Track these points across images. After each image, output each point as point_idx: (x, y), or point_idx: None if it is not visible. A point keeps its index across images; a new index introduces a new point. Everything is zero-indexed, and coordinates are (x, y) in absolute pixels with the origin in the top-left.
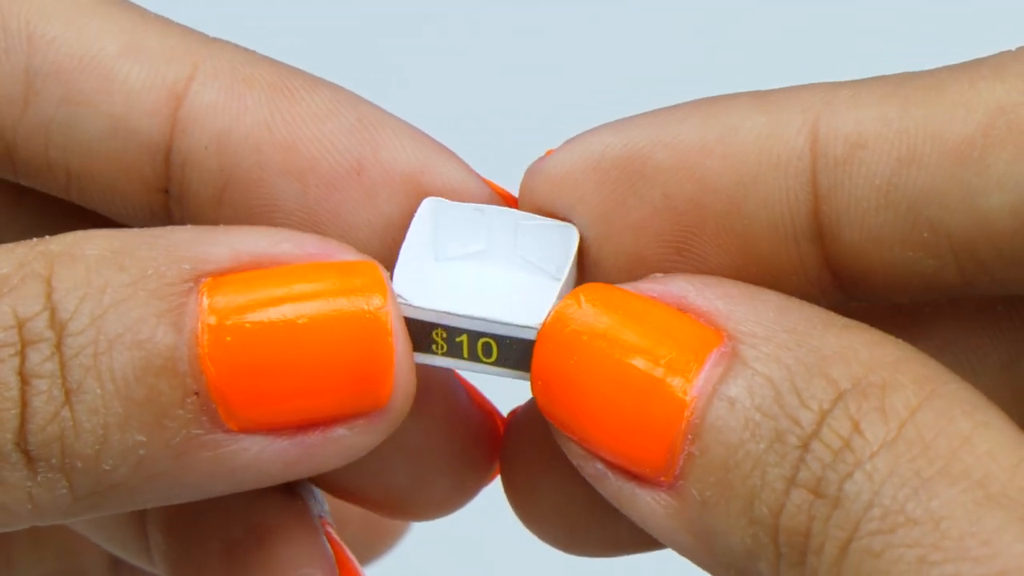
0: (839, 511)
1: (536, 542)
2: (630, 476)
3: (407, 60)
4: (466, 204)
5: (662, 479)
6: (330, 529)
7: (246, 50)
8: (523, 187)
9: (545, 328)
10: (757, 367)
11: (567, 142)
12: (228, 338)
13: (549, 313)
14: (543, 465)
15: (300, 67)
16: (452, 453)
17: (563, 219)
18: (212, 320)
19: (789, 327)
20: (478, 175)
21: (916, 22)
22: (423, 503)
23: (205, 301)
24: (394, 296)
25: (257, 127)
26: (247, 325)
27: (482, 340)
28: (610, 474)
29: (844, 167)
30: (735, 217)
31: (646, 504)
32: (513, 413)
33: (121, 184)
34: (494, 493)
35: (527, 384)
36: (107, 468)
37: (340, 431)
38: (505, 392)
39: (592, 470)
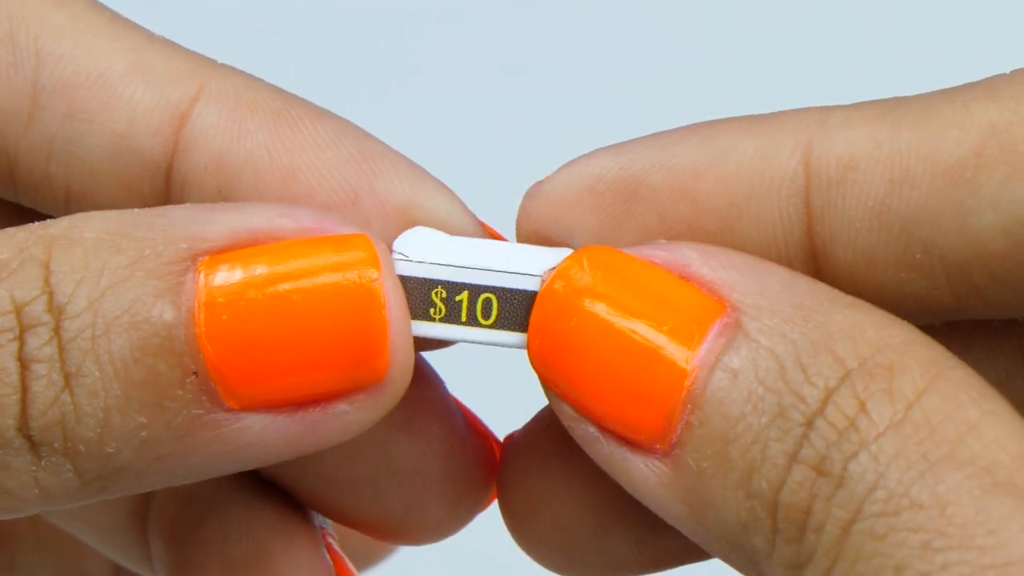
0: (842, 491)
1: (532, 564)
2: (623, 441)
3: (410, 86)
4: (460, 237)
5: (657, 447)
6: (331, 540)
7: (252, 76)
8: (521, 210)
9: (545, 288)
10: (761, 340)
11: (564, 165)
12: (225, 316)
13: (551, 269)
14: (540, 489)
15: (303, 90)
16: (448, 478)
17: (561, 242)
18: (209, 299)
19: (795, 302)
20: (472, 213)
21: (912, 44)
22: (418, 528)
23: (202, 279)
24: (390, 268)
25: (257, 151)
26: (243, 302)
27: (483, 297)
28: (602, 438)
29: (837, 188)
30: (729, 238)
31: (638, 470)
32: (510, 437)
33: (120, 203)
34: (491, 513)
35: (524, 395)
36: (110, 451)
37: (340, 407)
38: (502, 416)
39: (584, 433)
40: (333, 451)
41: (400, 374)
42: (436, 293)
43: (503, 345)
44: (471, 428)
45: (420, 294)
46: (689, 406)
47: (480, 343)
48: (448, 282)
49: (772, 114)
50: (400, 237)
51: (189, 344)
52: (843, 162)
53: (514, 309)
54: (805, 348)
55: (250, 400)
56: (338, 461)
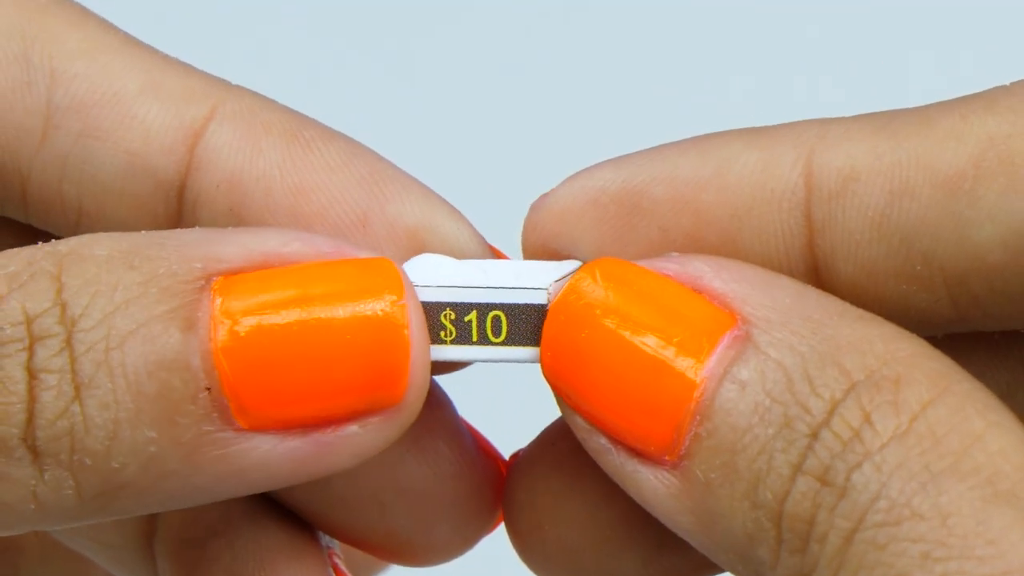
0: (845, 501)
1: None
2: (633, 453)
3: (418, 100)
4: (467, 260)
5: (666, 458)
6: (337, 560)
7: (264, 97)
8: (526, 223)
9: (558, 300)
10: (770, 352)
11: (568, 178)
12: (243, 335)
13: (559, 281)
14: (546, 508)
15: (315, 111)
16: (455, 499)
17: (566, 254)
18: (227, 318)
19: (805, 314)
20: (481, 237)
21: (911, 56)
22: (425, 549)
23: (218, 299)
24: (412, 293)
25: (269, 171)
26: (262, 322)
27: (492, 315)
28: (613, 449)
29: (838, 200)
30: (731, 250)
31: (648, 482)
32: (515, 456)
33: (133, 222)
34: (497, 532)
35: (533, 415)
36: (116, 466)
37: (352, 429)
38: (510, 438)
39: (595, 444)
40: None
41: (416, 398)
42: (445, 315)
43: (516, 361)
44: (480, 449)
45: (430, 318)
46: (698, 417)
47: (493, 361)
48: (456, 303)
49: (773, 126)
50: (407, 263)
51: (204, 361)
52: (843, 174)
53: (524, 324)
54: (813, 360)
55: (261, 420)
56: (345, 481)
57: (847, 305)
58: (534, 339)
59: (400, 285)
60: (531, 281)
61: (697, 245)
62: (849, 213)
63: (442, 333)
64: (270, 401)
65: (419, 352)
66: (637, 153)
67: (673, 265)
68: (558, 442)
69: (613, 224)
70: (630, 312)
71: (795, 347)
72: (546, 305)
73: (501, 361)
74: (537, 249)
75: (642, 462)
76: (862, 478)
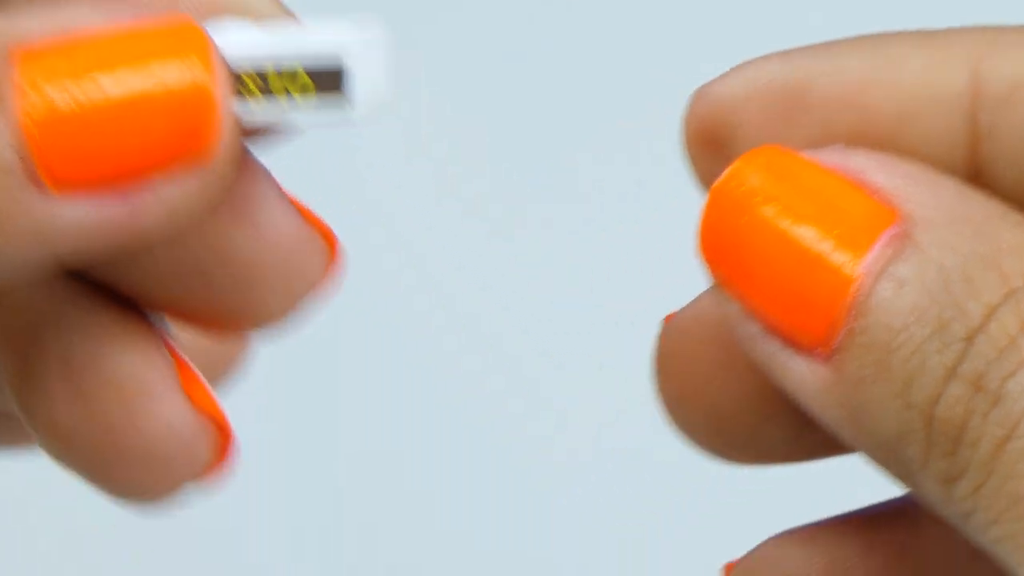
0: (999, 408)
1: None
2: (786, 343)
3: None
4: (268, 25)
5: (819, 350)
6: (170, 341)
7: None
8: (689, 108)
9: (718, 185)
10: (930, 252)
11: (734, 68)
12: (48, 101)
13: (355, 37)
14: (699, 374)
15: None
16: (281, 265)
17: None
18: (30, 86)
19: (967, 215)
20: (288, 10)
21: None
22: (252, 317)
23: (21, 69)
24: (216, 49)
25: None
26: (68, 87)
27: (293, 72)
28: (766, 338)
29: (1005, 106)
30: (893, 151)
31: (799, 373)
32: (669, 318)
33: None
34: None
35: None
36: None
37: (164, 189)
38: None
39: (748, 332)
40: (161, 245)
41: (226, 155)
42: (248, 76)
43: (328, 123)
44: (304, 217)
45: (233, 77)
46: (853, 313)
47: (306, 124)
48: (255, 62)
49: (944, 30)
50: (206, 24)
51: (12, 128)
52: (1013, 80)
53: (327, 79)
54: (973, 262)
55: (72, 183)
56: (166, 253)
57: (1008, 209)
58: (338, 89)
59: (205, 42)
60: (330, 36)
61: (859, 143)
62: (1015, 120)
63: (244, 91)
64: (80, 164)
65: (226, 107)
66: (806, 47)
67: (837, 158)
68: (713, 308)
69: (776, 116)
70: (790, 202)
71: (956, 248)
72: (341, 60)
73: (314, 125)
74: (697, 137)
75: (794, 353)
76: (1017, 387)
